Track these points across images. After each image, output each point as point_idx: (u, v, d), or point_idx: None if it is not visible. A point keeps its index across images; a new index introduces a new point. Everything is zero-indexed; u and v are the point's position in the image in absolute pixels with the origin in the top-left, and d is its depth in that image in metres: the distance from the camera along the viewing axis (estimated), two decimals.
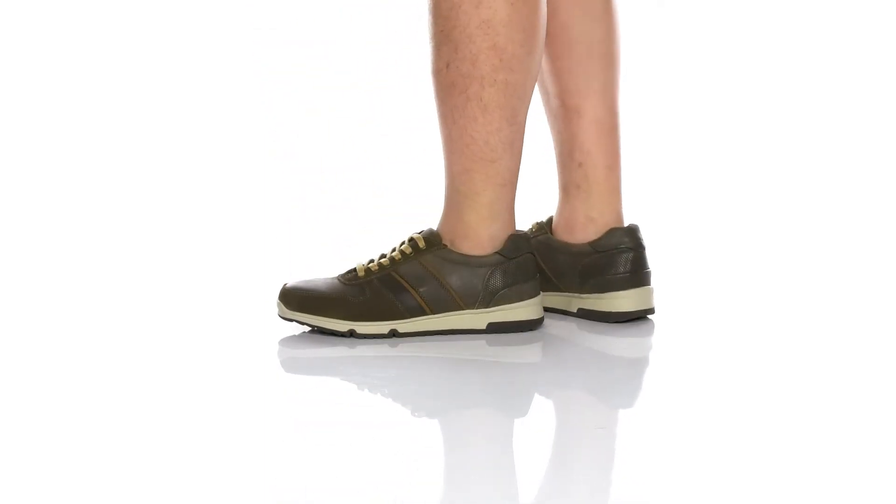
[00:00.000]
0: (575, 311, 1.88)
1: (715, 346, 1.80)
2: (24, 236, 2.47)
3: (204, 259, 2.31)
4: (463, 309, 1.79)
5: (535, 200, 2.08)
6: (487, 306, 1.79)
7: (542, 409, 1.56)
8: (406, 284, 1.78)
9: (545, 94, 1.90)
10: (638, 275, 1.86)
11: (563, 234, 1.90)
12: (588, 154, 1.87)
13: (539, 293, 1.81)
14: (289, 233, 2.50)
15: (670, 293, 1.99)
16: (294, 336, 1.81)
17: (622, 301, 1.85)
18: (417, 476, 1.32)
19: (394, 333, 1.78)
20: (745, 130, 3.25)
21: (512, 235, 1.79)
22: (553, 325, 1.86)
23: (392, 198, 2.73)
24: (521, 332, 1.79)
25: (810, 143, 3.15)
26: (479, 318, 1.79)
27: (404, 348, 1.75)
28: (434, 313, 1.78)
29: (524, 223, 1.93)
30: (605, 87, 1.87)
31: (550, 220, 1.93)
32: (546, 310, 1.88)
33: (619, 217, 1.88)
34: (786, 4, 3.51)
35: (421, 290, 1.78)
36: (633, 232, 1.87)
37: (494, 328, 1.79)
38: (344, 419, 1.50)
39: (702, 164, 3.09)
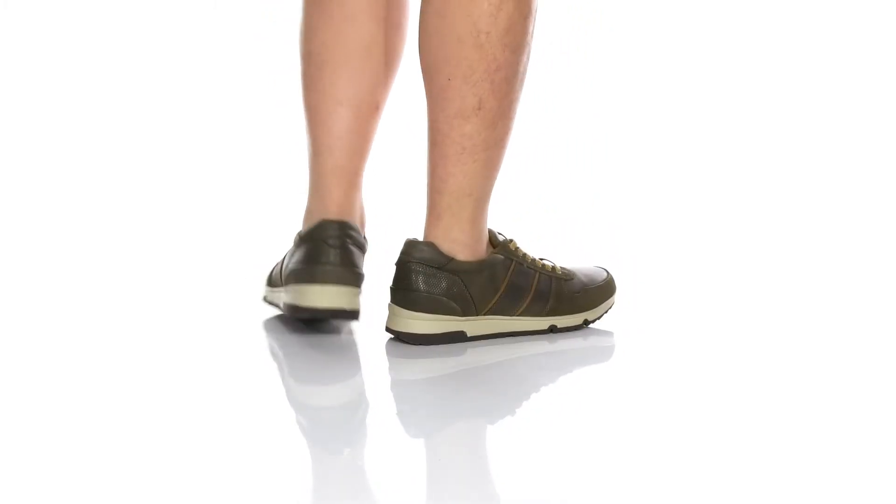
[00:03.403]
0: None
1: (711, 347, 1.80)
2: (25, 235, 2.47)
3: (215, 260, 2.32)
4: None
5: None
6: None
7: (540, 409, 1.56)
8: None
9: None
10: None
11: None
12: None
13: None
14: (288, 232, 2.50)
15: (669, 293, 2.00)
16: (296, 333, 1.82)
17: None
18: (415, 477, 1.33)
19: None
20: (740, 132, 3.25)
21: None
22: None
23: (391, 197, 2.73)
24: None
25: (806, 144, 3.15)
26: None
27: (404, 347, 1.76)
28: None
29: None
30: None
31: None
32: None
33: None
34: (783, 4, 3.51)
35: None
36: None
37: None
38: (341, 419, 1.51)
39: (701, 165, 3.09)
